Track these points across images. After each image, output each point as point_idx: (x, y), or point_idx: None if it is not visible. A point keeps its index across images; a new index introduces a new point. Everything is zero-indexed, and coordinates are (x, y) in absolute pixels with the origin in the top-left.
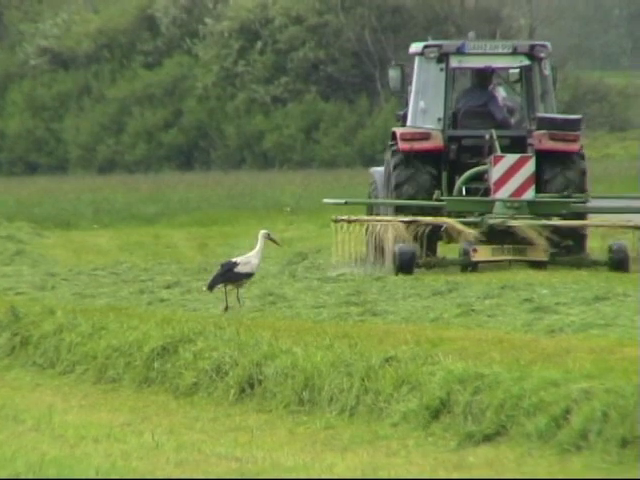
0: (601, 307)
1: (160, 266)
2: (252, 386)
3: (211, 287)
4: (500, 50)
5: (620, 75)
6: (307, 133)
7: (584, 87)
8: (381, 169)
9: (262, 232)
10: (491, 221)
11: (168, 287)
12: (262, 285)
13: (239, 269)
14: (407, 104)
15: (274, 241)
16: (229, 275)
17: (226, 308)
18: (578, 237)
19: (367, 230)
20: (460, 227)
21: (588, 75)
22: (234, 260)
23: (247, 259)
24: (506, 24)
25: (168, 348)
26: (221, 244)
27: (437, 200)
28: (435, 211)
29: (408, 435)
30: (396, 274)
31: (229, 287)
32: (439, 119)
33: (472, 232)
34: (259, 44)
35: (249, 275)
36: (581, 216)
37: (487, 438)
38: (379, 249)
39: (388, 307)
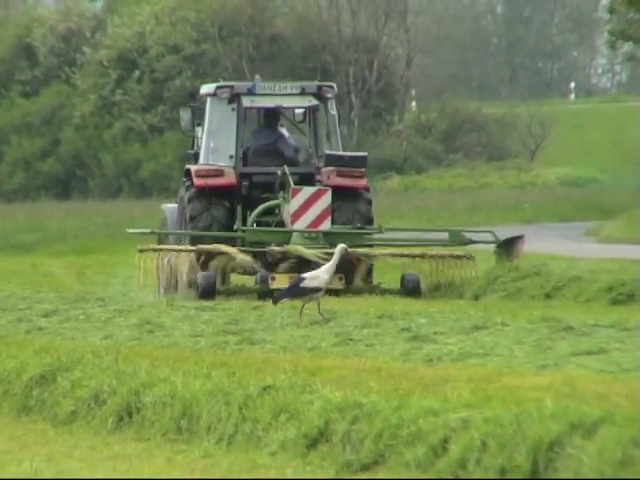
0: (479, 336)
1: (38, 294)
2: (130, 415)
3: (276, 301)
4: (289, 91)
5: (498, 104)
6: (184, 162)
7: (462, 116)
8: (172, 205)
9: (340, 246)
10: (279, 250)
11: (46, 315)
12: (140, 314)
13: (305, 284)
14: (194, 144)
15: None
16: (295, 290)
17: (298, 324)
18: (369, 266)
19: (161, 259)
20: (246, 259)
21: (466, 104)
22: (302, 275)
23: (316, 274)
24: (384, 53)
25: (46, 376)
26: (99, 272)
27: (237, 231)
28: (232, 242)
29: (286, 464)
30: (201, 297)
31: (298, 301)
32: (231, 157)
33: (248, 259)
34: (136, 73)
35: (316, 290)
36: (372, 246)
37: (365, 467)
38: (173, 277)
39: (266, 336)
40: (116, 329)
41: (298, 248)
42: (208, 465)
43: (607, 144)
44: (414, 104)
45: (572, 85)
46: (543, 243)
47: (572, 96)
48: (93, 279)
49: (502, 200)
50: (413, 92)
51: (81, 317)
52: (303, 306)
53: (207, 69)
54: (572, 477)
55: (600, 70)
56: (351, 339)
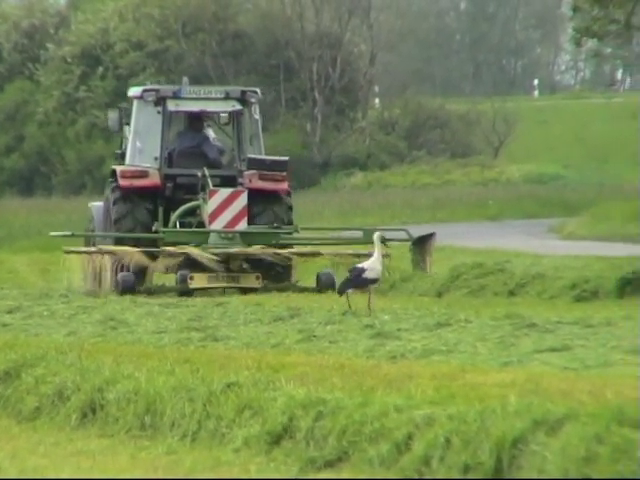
0: (443, 333)
1: (2, 291)
2: (94, 411)
3: (341, 292)
4: (213, 95)
5: (462, 101)
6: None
7: (425, 113)
8: (99, 204)
9: (376, 234)
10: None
11: (10, 312)
12: (103, 310)
13: (367, 275)
14: (122, 144)
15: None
16: (358, 281)
17: (344, 312)
18: (287, 266)
19: (87, 260)
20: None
21: (429, 101)
22: (361, 266)
23: (372, 265)
24: (347, 50)
25: (10, 373)
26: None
27: (156, 232)
28: (153, 243)
29: (250, 460)
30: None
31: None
32: (156, 158)
33: (156, 264)
34: (100, 69)
35: (375, 281)
36: (289, 246)
37: (329, 464)
38: (98, 277)
39: (229, 332)
40: (80, 325)
41: (193, 250)
42: (172, 462)
43: (571, 140)
44: (377, 101)
45: (536, 82)
46: (507, 240)
47: (536, 93)
48: (57, 276)
49: (466, 197)
50: (376, 89)
51: (45, 313)
52: (369, 298)
53: (171, 66)
54: (536, 474)
55: (564, 67)
56: (315, 336)
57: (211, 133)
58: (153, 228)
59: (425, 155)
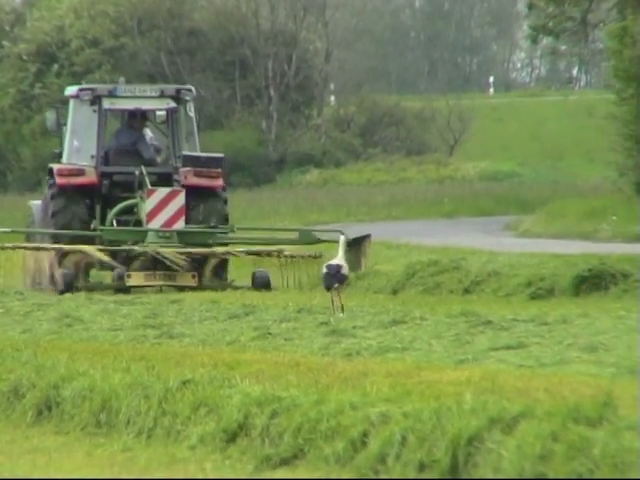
0: (398, 331)
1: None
2: (50, 408)
3: (329, 288)
4: (149, 93)
5: (417, 98)
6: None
7: (380, 110)
8: (39, 202)
9: (342, 236)
10: (140, 249)
11: None
12: (59, 307)
13: (344, 271)
14: (62, 143)
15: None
16: (340, 276)
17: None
18: (222, 264)
19: (26, 257)
20: (103, 257)
21: (385, 98)
22: (336, 263)
23: (342, 262)
24: (302, 47)
25: None
26: (19, 266)
27: (94, 230)
28: (90, 240)
29: (206, 458)
30: (61, 294)
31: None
32: (92, 156)
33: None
34: (56, 67)
35: (347, 277)
36: (225, 245)
37: (285, 461)
38: (37, 274)
39: (185, 330)
40: (35, 323)
41: (159, 250)
42: (127, 459)
43: (526, 138)
44: (333, 98)
45: (491, 79)
46: (462, 237)
47: (491, 90)
48: (13, 273)
49: (421, 194)
50: (332, 86)
51: (0, 311)
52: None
53: (126, 63)
54: (492, 472)
55: (519, 64)
56: (270, 333)
57: (148, 132)
58: (92, 226)
59: (380, 152)
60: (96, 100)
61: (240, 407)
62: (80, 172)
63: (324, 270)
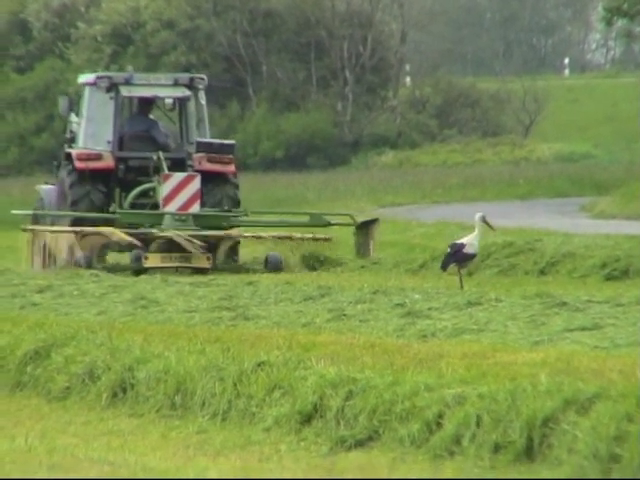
0: (473, 312)
1: (32, 270)
2: (125, 390)
3: (445, 267)
4: (163, 82)
5: (492, 80)
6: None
7: (456, 92)
8: (47, 187)
9: (478, 215)
10: (159, 232)
11: (40, 291)
12: (134, 289)
13: (467, 250)
14: (66, 129)
15: (489, 225)
16: (459, 256)
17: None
18: (234, 246)
19: (37, 239)
20: (126, 238)
21: (460, 80)
22: (461, 242)
23: (471, 241)
24: (378, 29)
25: (40, 352)
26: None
27: (113, 213)
28: (108, 223)
29: (280, 440)
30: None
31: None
32: (108, 142)
33: (134, 241)
34: (131, 48)
35: (474, 256)
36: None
37: (359, 443)
38: (52, 257)
39: (260, 312)
40: (110, 305)
41: (180, 235)
42: (202, 441)
43: (601, 119)
44: (408, 79)
45: (566, 60)
46: (537, 219)
47: (566, 71)
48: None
49: (496, 176)
50: (407, 67)
51: (75, 293)
52: (461, 273)
53: (201, 44)
54: (566, 453)
55: (594, 45)
56: (345, 315)
57: (155, 118)
58: (110, 209)
59: (456, 134)
60: (112, 87)
61: (315, 389)
62: (98, 157)
63: (447, 249)
